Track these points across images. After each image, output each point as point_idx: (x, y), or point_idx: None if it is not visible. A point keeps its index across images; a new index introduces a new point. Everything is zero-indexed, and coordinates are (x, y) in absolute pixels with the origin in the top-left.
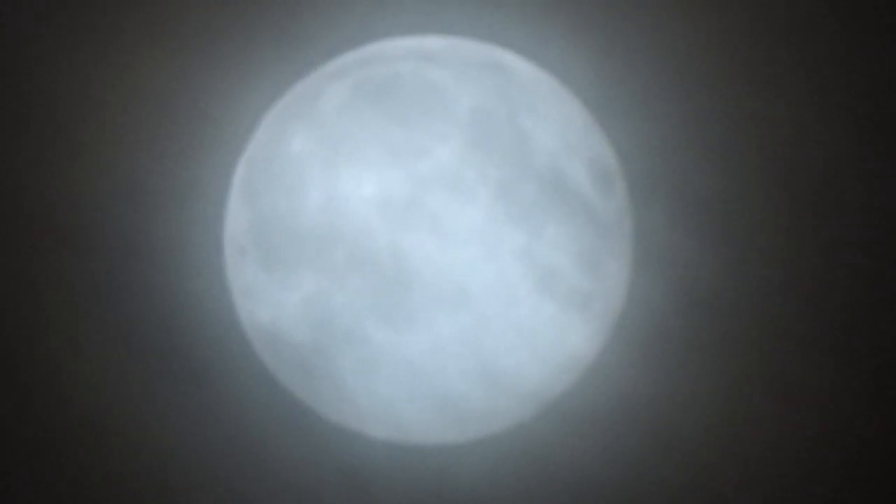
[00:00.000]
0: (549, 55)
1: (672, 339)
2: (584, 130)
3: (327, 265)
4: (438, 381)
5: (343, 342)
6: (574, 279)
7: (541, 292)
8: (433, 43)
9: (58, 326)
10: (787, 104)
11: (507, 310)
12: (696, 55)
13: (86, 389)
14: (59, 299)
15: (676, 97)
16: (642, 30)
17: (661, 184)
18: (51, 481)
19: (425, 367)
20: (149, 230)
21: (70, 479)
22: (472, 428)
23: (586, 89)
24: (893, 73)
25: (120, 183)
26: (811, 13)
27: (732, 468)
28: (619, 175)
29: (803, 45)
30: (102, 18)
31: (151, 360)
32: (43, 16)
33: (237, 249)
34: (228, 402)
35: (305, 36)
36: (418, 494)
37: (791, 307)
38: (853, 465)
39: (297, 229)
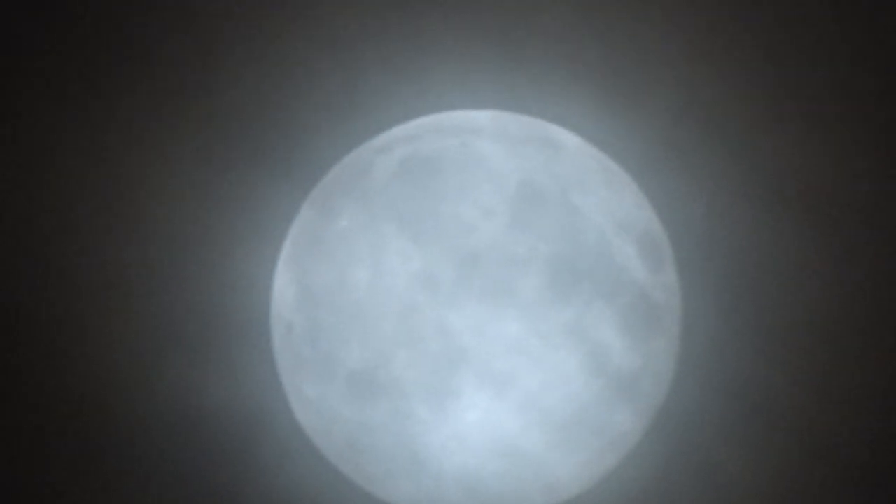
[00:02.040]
0: (597, 130)
1: (713, 425)
2: (634, 206)
3: (374, 341)
4: (485, 458)
5: (389, 419)
6: (622, 357)
7: (589, 370)
8: (481, 116)
9: (106, 410)
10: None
11: (555, 388)
12: (747, 132)
13: (135, 470)
14: (108, 378)
15: (725, 174)
16: (692, 107)
17: (710, 263)
18: None
19: (472, 446)
20: (198, 305)
21: None
22: None
23: (636, 164)
24: None
25: (167, 261)
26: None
27: None
28: (668, 252)
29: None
30: (139, 106)
31: (199, 437)
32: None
33: (284, 325)
34: (276, 478)
35: (354, 110)
36: None
37: (830, 409)
38: None
39: (343, 305)
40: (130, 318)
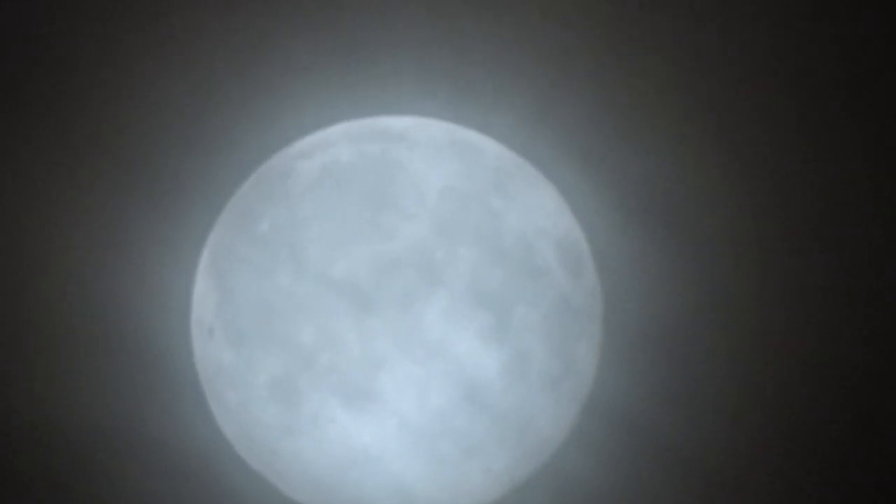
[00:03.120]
0: (517, 135)
1: (639, 425)
2: (554, 211)
3: (295, 346)
4: (404, 463)
5: (310, 424)
6: (544, 362)
7: (510, 375)
8: (401, 123)
9: (20, 424)
10: (772, 172)
11: (475, 392)
12: (669, 133)
13: (53, 465)
14: (29, 387)
15: (647, 178)
16: (611, 108)
17: (630, 265)
18: None
19: (392, 450)
20: (116, 311)
21: None
22: None
23: (555, 170)
24: None
25: (85, 266)
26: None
27: None
28: (588, 256)
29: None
30: (48, 112)
31: (118, 443)
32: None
33: (205, 331)
34: (198, 484)
35: (274, 115)
36: None
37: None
38: None
39: (264, 310)
40: (46, 328)
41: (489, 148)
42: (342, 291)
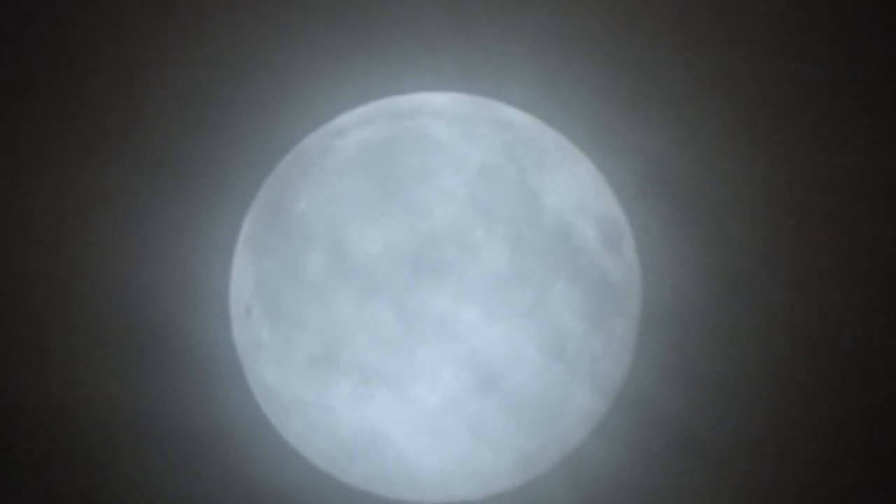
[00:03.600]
0: (556, 112)
1: (673, 405)
2: (593, 188)
3: (333, 324)
4: (443, 440)
5: (348, 401)
6: (582, 339)
7: (548, 352)
8: (440, 100)
9: (66, 390)
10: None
11: (516, 370)
12: (708, 111)
13: (95, 452)
14: (71, 365)
15: (684, 152)
16: (652, 88)
17: (669, 241)
18: None
19: (433, 428)
20: (155, 291)
21: None
22: (475, 487)
23: (595, 147)
24: None
25: (124, 244)
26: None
27: None
28: (628, 233)
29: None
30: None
31: (158, 422)
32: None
33: (243, 309)
34: (236, 460)
35: (311, 93)
36: None
37: (799, 354)
38: None
39: (302, 288)
40: (87, 305)
41: (528, 125)
42: (379, 269)
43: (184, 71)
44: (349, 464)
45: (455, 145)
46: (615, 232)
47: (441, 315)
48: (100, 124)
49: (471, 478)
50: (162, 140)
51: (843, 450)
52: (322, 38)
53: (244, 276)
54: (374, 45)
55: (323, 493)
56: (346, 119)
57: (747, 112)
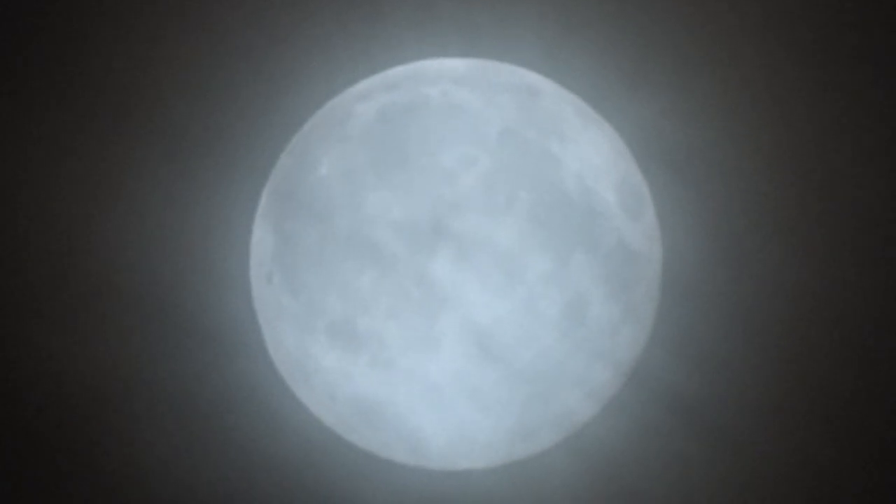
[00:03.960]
0: (576, 77)
1: (693, 372)
2: (614, 153)
3: (353, 291)
4: (462, 408)
5: (368, 368)
6: (602, 305)
7: (568, 318)
8: (461, 65)
9: (88, 358)
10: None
11: (535, 337)
12: (728, 78)
13: (116, 417)
14: (89, 332)
15: (704, 119)
16: (673, 54)
17: (689, 208)
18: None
19: (450, 394)
20: (175, 258)
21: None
22: (493, 454)
23: (615, 113)
24: None
25: (144, 211)
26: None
27: None
28: (648, 199)
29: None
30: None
31: (180, 386)
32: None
33: (264, 275)
34: (256, 428)
35: (333, 58)
36: None
37: (810, 323)
38: None
39: (323, 254)
40: (107, 273)
41: (549, 90)
42: (401, 235)
43: (217, 28)
44: (370, 430)
45: (476, 111)
46: (636, 198)
47: (461, 282)
48: (119, 93)
49: (489, 447)
50: (181, 111)
51: (859, 426)
52: (343, 3)
53: (265, 243)
54: (395, 12)
55: (341, 460)
56: (366, 85)
57: (775, 78)
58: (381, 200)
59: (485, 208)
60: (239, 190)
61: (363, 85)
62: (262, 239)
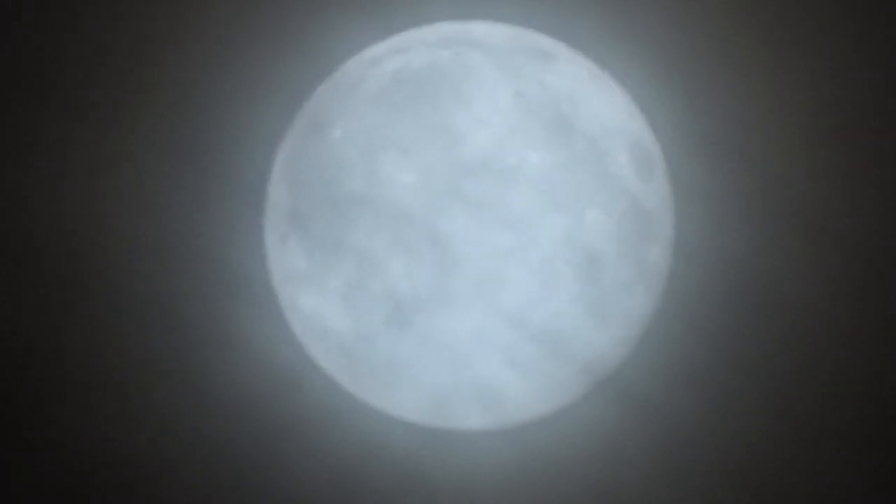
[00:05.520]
0: (590, 40)
1: (706, 334)
2: (626, 116)
3: (367, 252)
4: (478, 367)
5: (383, 328)
6: (615, 266)
7: (582, 279)
8: (473, 28)
9: (97, 323)
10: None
11: (548, 298)
12: (740, 44)
13: (126, 381)
14: (99, 295)
15: (716, 82)
16: (685, 16)
17: (702, 171)
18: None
19: (465, 353)
20: (189, 217)
21: (115, 469)
22: (508, 414)
23: (627, 75)
24: None
25: (159, 172)
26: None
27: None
28: (660, 161)
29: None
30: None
31: (193, 348)
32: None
33: (279, 236)
34: (271, 389)
35: (344, 22)
36: (456, 479)
37: (834, 304)
38: None
39: (336, 216)
40: (123, 235)
41: (561, 53)
42: (414, 197)
43: (215, 6)
44: (385, 390)
45: (490, 73)
46: (648, 159)
47: (476, 242)
48: (136, 47)
49: (505, 404)
50: (193, 73)
51: (873, 417)
52: None
53: (279, 206)
54: None
55: (357, 420)
56: (381, 47)
57: (789, 40)
58: (395, 162)
59: (498, 169)
60: (253, 152)
61: (376, 48)
62: (276, 200)
